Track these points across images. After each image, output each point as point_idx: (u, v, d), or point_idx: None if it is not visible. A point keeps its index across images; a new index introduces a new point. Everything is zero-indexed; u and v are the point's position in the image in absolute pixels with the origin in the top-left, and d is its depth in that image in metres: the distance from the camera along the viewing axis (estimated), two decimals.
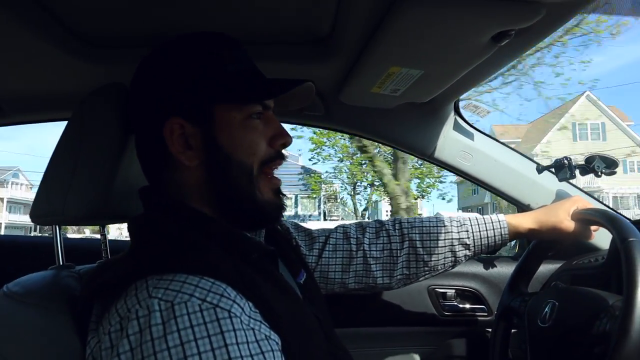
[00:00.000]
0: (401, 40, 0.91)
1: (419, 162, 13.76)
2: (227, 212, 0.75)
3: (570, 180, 1.37)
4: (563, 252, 1.42)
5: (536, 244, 1.19)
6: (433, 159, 1.44)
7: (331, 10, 0.93)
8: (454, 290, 1.49)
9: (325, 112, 1.38)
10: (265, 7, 0.94)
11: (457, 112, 1.42)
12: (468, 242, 1.06)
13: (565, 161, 1.32)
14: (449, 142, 1.42)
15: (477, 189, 30.29)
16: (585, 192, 1.44)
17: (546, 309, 0.97)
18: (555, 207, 1.05)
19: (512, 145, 1.75)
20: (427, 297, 1.48)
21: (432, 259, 1.06)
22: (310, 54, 1.11)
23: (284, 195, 0.82)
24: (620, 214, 1.34)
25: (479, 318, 1.49)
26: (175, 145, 0.73)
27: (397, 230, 1.08)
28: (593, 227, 1.05)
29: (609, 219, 0.88)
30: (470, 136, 1.44)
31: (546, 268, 1.43)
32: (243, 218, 0.77)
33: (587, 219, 0.99)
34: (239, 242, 0.73)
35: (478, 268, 1.51)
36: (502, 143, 1.48)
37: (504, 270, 1.50)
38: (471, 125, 1.46)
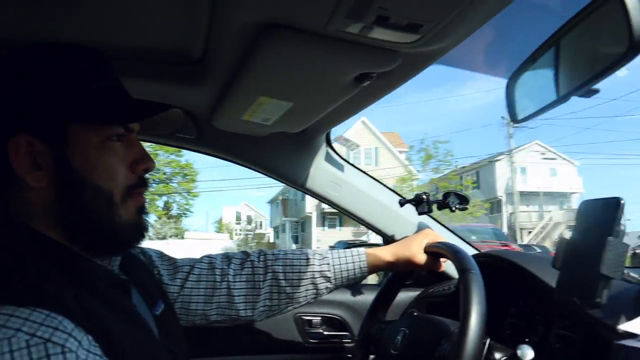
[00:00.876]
0: (268, 73, 0.92)
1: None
2: (79, 237, 0.69)
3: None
4: (422, 280, 1.52)
5: (395, 273, 1.25)
6: (304, 188, 1.47)
7: (202, 33, 0.92)
8: (319, 318, 1.52)
9: (197, 135, 1.35)
10: (135, 23, 0.90)
11: (329, 144, 1.48)
12: (329, 275, 1.08)
13: (424, 196, 1.43)
14: (320, 173, 1.46)
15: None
16: (441, 224, 1.56)
17: (398, 337, 1.02)
18: (409, 241, 1.12)
19: None
20: (294, 324, 1.49)
21: (295, 291, 1.06)
22: (183, 75, 1.08)
23: (147, 213, 0.77)
24: (469, 245, 1.47)
25: (345, 345, 1.53)
26: (21, 164, 0.65)
27: (261, 262, 1.07)
28: (443, 259, 1.13)
29: (452, 252, 0.96)
30: (340, 168, 1.50)
31: (407, 295, 1.51)
32: (98, 243, 0.71)
33: (435, 251, 1.07)
34: (86, 270, 0.67)
35: (344, 295, 1.55)
36: (370, 176, 1.56)
37: (369, 297, 1.54)
38: (342, 158, 1.52)
